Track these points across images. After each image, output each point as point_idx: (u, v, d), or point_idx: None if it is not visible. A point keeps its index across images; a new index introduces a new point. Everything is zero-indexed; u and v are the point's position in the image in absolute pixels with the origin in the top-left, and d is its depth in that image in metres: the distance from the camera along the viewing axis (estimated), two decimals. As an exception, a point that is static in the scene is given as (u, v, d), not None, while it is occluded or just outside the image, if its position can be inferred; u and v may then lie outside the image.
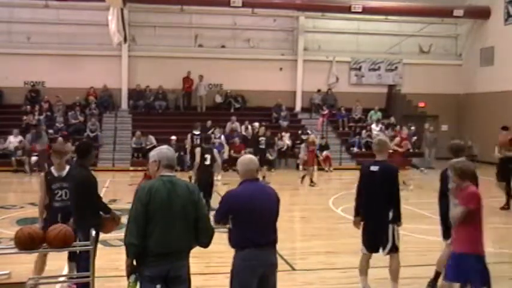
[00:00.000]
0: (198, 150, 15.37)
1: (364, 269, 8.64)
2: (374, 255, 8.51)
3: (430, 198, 18.59)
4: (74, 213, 8.33)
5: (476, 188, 7.21)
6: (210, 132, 24.42)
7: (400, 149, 20.61)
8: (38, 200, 8.56)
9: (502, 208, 16.78)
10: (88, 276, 7.24)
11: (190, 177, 21.47)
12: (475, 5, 32.27)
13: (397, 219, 8.38)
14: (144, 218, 5.46)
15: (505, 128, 17.56)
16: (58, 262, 8.65)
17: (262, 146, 24.16)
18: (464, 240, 6.99)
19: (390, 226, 8.36)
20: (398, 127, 30.39)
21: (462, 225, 6.97)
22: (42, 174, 8.72)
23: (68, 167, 8.57)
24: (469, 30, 33.86)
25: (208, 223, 5.73)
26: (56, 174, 8.45)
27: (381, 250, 8.42)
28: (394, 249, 8.39)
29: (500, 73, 30.41)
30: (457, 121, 32.82)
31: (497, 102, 30.19)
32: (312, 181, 22.12)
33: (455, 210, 7.02)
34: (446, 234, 8.47)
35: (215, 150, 17.43)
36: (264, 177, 21.76)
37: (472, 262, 6.94)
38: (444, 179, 8.38)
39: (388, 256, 8.46)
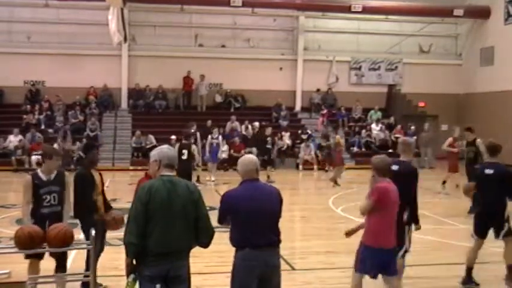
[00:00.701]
0: (177, 145, 16.99)
1: None
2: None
3: (430, 198, 18.76)
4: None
5: (391, 183, 7.44)
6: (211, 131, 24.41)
7: (453, 150, 19.79)
8: (22, 206, 7.89)
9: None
10: (88, 276, 7.30)
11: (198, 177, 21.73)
12: (475, 5, 32.28)
13: (412, 221, 8.46)
14: (144, 217, 5.46)
15: (469, 129, 17.30)
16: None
17: (269, 146, 24.41)
18: (371, 232, 7.37)
19: (406, 227, 8.37)
20: (399, 126, 30.60)
21: (371, 218, 7.38)
22: (29, 177, 7.87)
23: (55, 171, 7.98)
24: (469, 30, 33.87)
25: (208, 223, 5.72)
26: (44, 177, 7.82)
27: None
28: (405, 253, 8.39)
29: (500, 73, 30.41)
30: (457, 121, 32.74)
31: (497, 102, 30.21)
32: (336, 182, 21.99)
33: (362, 202, 7.46)
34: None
35: (193, 146, 19.05)
36: (268, 176, 21.86)
37: (380, 254, 7.27)
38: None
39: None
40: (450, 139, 19.93)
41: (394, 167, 8.41)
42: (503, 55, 30.56)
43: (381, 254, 7.32)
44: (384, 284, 7.58)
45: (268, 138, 24.45)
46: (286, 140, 28.51)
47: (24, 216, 7.66)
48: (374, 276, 7.40)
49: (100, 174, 8.93)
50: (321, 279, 9.65)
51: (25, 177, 7.72)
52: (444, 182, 20.08)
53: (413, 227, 8.54)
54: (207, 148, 23.54)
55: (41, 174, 7.79)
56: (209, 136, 23.70)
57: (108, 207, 8.75)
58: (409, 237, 8.52)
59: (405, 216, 8.36)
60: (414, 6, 31.05)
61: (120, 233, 6.88)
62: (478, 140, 16.16)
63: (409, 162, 8.81)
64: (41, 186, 7.67)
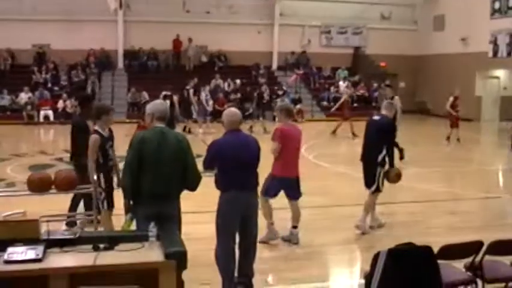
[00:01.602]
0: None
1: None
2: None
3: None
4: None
5: (291, 125, 8.34)
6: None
7: (454, 113, 19.55)
8: (90, 163, 7.30)
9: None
10: (91, 215, 7.38)
11: (185, 127, 21.71)
12: (430, -24, 32.20)
13: (389, 163, 8.81)
14: (137, 163, 5.51)
15: (388, 86, 17.19)
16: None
17: (265, 101, 25.13)
18: (278, 165, 8.01)
19: (378, 168, 8.74)
20: (362, 84, 30.72)
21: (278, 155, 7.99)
22: (97, 136, 7.36)
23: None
24: (424, 0, 33.78)
25: (195, 170, 5.76)
26: (104, 134, 7.49)
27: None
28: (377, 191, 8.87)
29: (449, 37, 30.60)
30: (413, 79, 32.95)
31: (447, 62, 30.44)
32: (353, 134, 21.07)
33: (272, 145, 8.07)
34: None
35: (174, 97, 21.39)
36: (265, 128, 22.17)
37: (284, 182, 8.05)
38: None
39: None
40: (451, 98, 19.84)
41: (376, 117, 9.11)
42: (452, 22, 30.70)
43: (285, 181, 8.05)
44: (289, 205, 8.34)
45: (265, 94, 25.73)
46: (265, 95, 28.50)
47: (92, 172, 7.20)
48: (275, 195, 8.13)
49: (94, 124, 8.95)
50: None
51: (93, 137, 7.30)
52: (448, 138, 19.78)
53: (386, 168, 8.80)
54: (204, 103, 23.35)
55: (101, 131, 7.45)
56: (202, 93, 23.49)
57: None
58: (381, 178, 8.79)
59: (379, 158, 8.67)
60: (377, -22, 30.91)
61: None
62: (396, 97, 15.52)
63: (389, 117, 9.13)
64: (105, 142, 7.45)
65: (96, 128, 7.50)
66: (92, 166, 7.25)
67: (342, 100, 22.27)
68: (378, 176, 8.76)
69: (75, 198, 8.61)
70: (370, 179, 8.85)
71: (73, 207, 8.67)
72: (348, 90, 22.58)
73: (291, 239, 8.28)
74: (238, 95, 28.10)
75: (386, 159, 8.74)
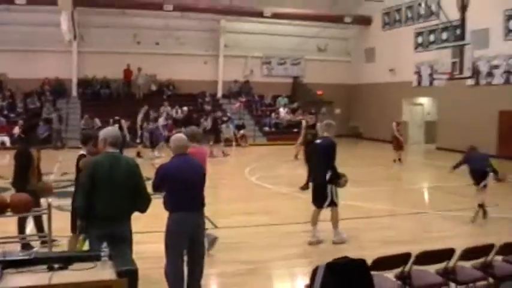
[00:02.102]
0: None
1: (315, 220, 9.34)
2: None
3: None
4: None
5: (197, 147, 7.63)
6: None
7: (399, 136, 20.41)
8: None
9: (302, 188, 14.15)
10: (45, 236, 7.19)
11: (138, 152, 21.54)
12: (360, 14, 33.00)
13: (335, 178, 9.16)
14: (89, 186, 5.43)
15: (312, 113, 17.18)
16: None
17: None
18: None
19: (328, 186, 9.11)
20: (300, 110, 31.08)
21: None
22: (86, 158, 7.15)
23: None
24: (356, 34, 34.55)
25: (145, 192, 5.72)
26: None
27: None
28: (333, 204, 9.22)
29: (379, 68, 31.43)
30: (347, 106, 33.50)
31: (377, 91, 31.16)
32: None
33: None
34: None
35: (122, 121, 21.67)
36: (223, 152, 22.84)
37: None
38: None
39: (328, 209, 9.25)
40: (394, 123, 20.40)
41: (318, 141, 9.41)
42: (382, 54, 31.54)
43: None
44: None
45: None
46: (209, 121, 28.49)
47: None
48: None
49: (39, 151, 8.82)
50: (240, 235, 9.79)
51: (85, 160, 7.00)
52: (397, 160, 20.48)
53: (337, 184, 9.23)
54: (161, 130, 23.88)
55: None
56: (159, 119, 23.62)
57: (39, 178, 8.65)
58: (335, 192, 9.18)
59: (327, 176, 9.00)
60: (313, 14, 31.48)
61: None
62: (319, 124, 14.32)
63: (330, 138, 9.34)
64: None
65: (83, 152, 7.37)
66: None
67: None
68: (330, 192, 9.10)
69: (20, 221, 8.38)
70: (321, 197, 9.14)
71: (22, 229, 8.45)
72: (304, 116, 22.15)
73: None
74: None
75: (332, 175, 9.08)
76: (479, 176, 10.82)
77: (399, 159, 20.38)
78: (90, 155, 7.21)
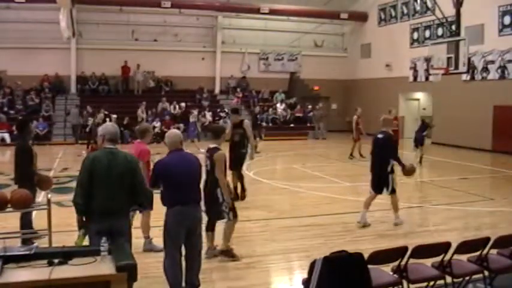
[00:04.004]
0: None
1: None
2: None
3: (323, 162, 19.13)
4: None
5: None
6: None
7: (360, 128, 20.12)
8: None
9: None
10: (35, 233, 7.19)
11: None
12: (356, 10, 33.02)
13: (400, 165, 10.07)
14: (88, 182, 5.41)
15: (235, 111, 14.14)
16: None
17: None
18: None
19: (389, 175, 9.88)
20: (299, 106, 31.10)
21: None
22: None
23: None
24: (352, 30, 34.56)
25: (145, 187, 5.72)
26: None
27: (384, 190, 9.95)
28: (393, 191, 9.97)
29: (375, 64, 31.40)
30: (343, 101, 33.53)
31: (373, 86, 31.18)
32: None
33: None
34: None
35: (113, 116, 22.38)
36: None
37: None
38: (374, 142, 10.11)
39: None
40: (355, 117, 20.24)
41: (379, 136, 10.05)
42: (377, 50, 31.52)
43: None
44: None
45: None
46: (208, 117, 28.51)
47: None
48: None
49: (32, 145, 8.90)
50: (237, 229, 9.76)
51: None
52: (352, 153, 20.14)
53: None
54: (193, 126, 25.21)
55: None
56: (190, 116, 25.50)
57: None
58: (394, 180, 9.95)
59: (389, 168, 9.81)
60: (310, 10, 31.50)
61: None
62: (246, 121, 12.71)
63: (388, 132, 10.10)
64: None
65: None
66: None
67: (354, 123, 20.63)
68: (390, 181, 9.86)
69: (24, 217, 8.34)
70: (383, 186, 9.98)
71: (25, 225, 8.40)
72: (357, 112, 21.41)
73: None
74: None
75: (394, 167, 9.87)
76: None
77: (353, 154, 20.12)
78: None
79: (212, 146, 7.67)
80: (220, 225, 7.97)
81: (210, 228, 7.94)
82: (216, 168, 7.44)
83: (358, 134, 20.06)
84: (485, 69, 23.72)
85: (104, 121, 22.52)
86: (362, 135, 19.96)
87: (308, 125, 30.69)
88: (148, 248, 8.06)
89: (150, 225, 8.16)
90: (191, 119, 26.11)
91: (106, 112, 22.61)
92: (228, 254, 7.93)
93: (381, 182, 9.95)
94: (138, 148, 8.04)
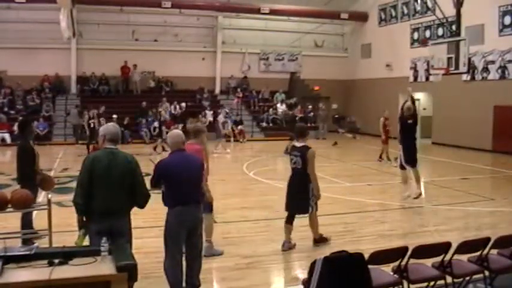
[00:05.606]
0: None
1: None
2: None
3: (324, 163, 19.10)
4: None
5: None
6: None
7: (385, 131, 19.49)
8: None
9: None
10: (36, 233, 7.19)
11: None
12: (356, 10, 33.00)
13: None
14: (88, 182, 5.42)
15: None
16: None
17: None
18: None
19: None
20: (299, 107, 31.09)
21: None
22: None
23: None
24: (353, 30, 34.55)
25: (143, 188, 5.71)
26: None
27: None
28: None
29: (376, 64, 31.37)
30: (344, 101, 33.47)
31: (373, 86, 31.16)
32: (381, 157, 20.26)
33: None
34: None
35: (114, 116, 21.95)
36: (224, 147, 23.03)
37: None
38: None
39: None
40: (382, 119, 19.84)
41: (409, 121, 11.98)
42: (378, 50, 31.50)
43: None
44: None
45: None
46: (209, 117, 28.48)
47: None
48: None
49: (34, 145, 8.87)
50: (237, 229, 9.79)
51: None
52: (381, 155, 19.78)
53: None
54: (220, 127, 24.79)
55: None
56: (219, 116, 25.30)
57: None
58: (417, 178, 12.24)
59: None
60: (310, 10, 31.49)
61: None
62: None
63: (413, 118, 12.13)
64: None
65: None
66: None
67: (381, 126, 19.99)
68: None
69: (24, 217, 8.33)
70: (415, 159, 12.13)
71: (25, 225, 8.39)
72: (384, 114, 20.85)
73: None
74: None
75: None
76: None
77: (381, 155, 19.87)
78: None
79: (300, 144, 8.22)
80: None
81: (290, 221, 8.42)
82: (309, 164, 8.10)
83: (387, 136, 19.50)
84: (486, 69, 23.71)
85: (88, 123, 22.57)
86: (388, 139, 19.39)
87: (309, 124, 30.65)
88: (209, 253, 7.91)
89: (213, 228, 8.24)
90: (220, 119, 25.44)
91: (96, 111, 22.66)
92: (322, 240, 8.61)
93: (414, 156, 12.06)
94: (193, 149, 7.45)
